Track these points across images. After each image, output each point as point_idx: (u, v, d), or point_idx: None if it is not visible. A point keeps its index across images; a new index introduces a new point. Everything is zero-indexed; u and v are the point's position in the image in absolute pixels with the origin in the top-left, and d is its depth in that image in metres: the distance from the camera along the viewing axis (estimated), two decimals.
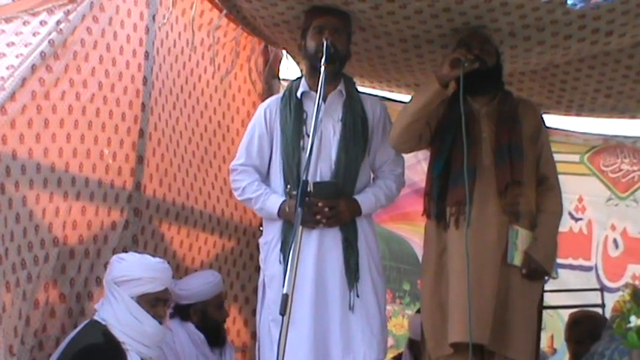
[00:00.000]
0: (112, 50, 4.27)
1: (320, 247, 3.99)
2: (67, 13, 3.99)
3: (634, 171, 5.83)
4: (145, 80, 4.47)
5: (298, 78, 4.24)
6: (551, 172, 4.18)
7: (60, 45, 3.91)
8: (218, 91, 5.16)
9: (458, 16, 4.06)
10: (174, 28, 4.72)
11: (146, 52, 4.49)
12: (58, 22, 3.95)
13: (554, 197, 4.15)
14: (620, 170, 5.85)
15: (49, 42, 3.85)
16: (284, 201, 4.04)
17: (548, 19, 4.05)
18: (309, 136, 3.93)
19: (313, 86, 4.05)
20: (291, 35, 4.53)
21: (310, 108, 4.01)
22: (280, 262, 4.01)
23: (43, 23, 3.93)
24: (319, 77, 3.75)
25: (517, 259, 3.96)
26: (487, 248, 3.94)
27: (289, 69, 5.54)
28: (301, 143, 4.05)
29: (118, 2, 4.32)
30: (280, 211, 4.04)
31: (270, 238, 4.12)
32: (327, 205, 3.98)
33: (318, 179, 4.03)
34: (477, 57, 3.92)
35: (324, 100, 3.99)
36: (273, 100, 4.29)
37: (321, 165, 4.06)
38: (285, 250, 3.99)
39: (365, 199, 4.09)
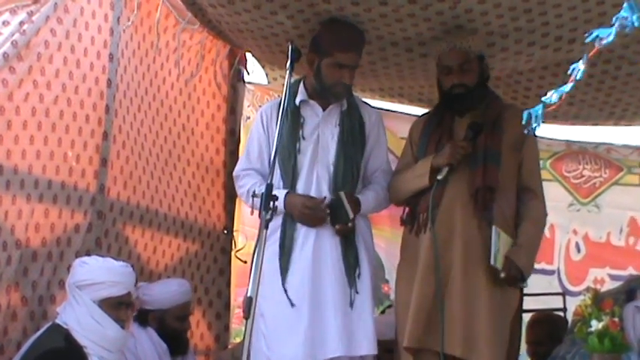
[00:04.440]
0: (76, 52, 4.24)
1: (317, 244, 4.03)
2: (31, 14, 3.96)
3: (595, 177, 5.88)
4: (109, 82, 4.45)
5: (297, 82, 4.20)
6: (535, 183, 4.14)
7: (23, 46, 3.88)
8: (183, 93, 5.15)
9: (422, 22, 4.09)
10: (139, 30, 4.70)
11: (110, 54, 4.46)
12: (22, 23, 3.91)
13: (537, 206, 4.10)
14: (582, 176, 5.90)
15: (11, 43, 3.82)
16: (287, 192, 4.05)
17: (511, 26, 4.09)
18: (304, 139, 4.08)
19: (314, 97, 4.13)
20: (255, 42, 4.55)
21: (308, 115, 4.12)
22: (277, 257, 4.01)
23: (5, 24, 3.89)
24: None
25: (499, 262, 3.90)
26: (452, 252, 3.95)
27: (254, 73, 5.55)
28: (297, 146, 4.10)
29: (82, 4, 4.29)
30: (286, 204, 4.03)
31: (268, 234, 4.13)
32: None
33: (314, 183, 4.08)
34: (465, 151, 3.95)
35: (324, 109, 4.13)
36: (270, 104, 4.34)
37: (318, 168, 4.10)
38: (283, 245, 4.03)
39: (364, 200, 4.13)
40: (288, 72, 3.76)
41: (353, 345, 3.96)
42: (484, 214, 3.96)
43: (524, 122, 3.36)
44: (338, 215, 4.03)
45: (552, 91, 3.38)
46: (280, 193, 3.96)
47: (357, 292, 4.01)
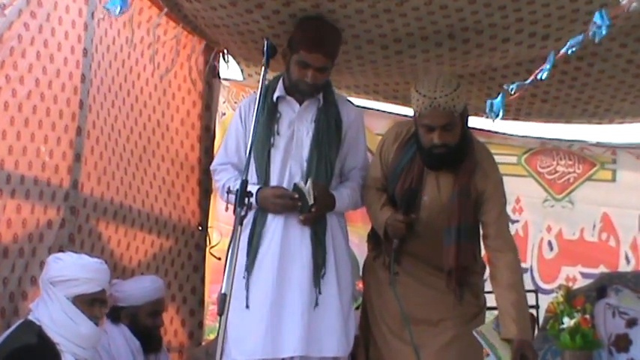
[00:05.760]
0: (49, 47, 4.21)
1: (285, 239, 4.01)
2: (3, 7, 3.93)
3: (569, 173, 5.91)
4: (83, 77, 4.42)
5: (276, 78, 4.20)
6: (504, 230, 3.98)
7: None
8: (158, 89, 5.13)
9: (398, 18, 4.09)
10: (114, 25, 4.68)
11: (84, 49, 4.44)
12: None
13: (511, 261, 3.92)
14: (557, 172, 5.93)
15: None
16: (260, 188, 4.03)
17: (486, 22, 4.11)
18: (279, 134, 4.07)
19: (291, 93, 4.12)
20: (231, 38, 4.53)
21: (285, 110, 4.11)
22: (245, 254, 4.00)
23: None
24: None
25: (507, 357, 3.80)
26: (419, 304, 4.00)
27: (230, 68, 5.54)
28: (271, 140, 4.08)
29: None
30: (259, 199, 4.01)
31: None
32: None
33: (286, 178, 4.07)
34: (407, 227, 3.92)
35: (300, 104, 4.11)
36: (249, 99, 4.31)
37: (292, 164, 4.08)
38: (251, 242, 4.01)
39: (339, 197, 4.12)
40: (263, 68, 3.75)
41: (317, 346, 3.94)
42: (456, 289, 3.98)
43: (487, 111, 3.38)
44: (301, 205, 4.01)
45: (514, 84, 3.42)
46: (253, 189, 3.94)
47: (320, 293, 3.99)
